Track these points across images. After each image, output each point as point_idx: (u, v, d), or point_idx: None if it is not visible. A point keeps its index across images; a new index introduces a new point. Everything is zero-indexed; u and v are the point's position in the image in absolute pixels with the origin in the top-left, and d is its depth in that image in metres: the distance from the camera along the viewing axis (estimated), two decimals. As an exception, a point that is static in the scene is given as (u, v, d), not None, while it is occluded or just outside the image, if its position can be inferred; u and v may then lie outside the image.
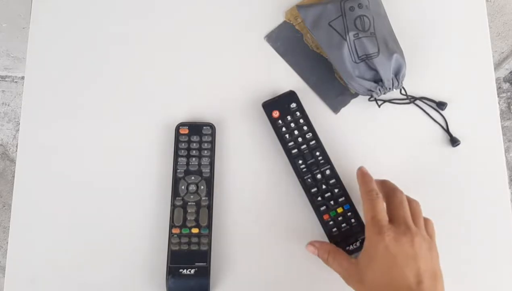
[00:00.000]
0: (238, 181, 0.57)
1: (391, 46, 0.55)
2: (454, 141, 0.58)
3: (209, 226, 0.53)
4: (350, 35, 0.55)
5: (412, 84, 0.59)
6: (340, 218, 0.53)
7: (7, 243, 0.56)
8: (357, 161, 0.57)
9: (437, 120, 0.59)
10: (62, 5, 0.63)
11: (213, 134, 0.57)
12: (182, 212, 0.54)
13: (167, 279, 0.52)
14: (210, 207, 0.54)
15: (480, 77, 0.61)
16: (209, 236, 0.53)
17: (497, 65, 1.31)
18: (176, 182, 0.55)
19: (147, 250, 0.55)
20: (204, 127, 0.57)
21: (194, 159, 0.55)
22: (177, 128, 0.57)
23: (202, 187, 0.54)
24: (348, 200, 0.54)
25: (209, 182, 0.55)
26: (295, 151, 0.55)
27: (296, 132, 0.55)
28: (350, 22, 0.56)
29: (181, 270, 0.52)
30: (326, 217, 0.53)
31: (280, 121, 0.55)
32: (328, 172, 0.54)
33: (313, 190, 0.53)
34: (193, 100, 0.60)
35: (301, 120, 0.55)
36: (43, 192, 0.57)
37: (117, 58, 0.61)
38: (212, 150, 0.56)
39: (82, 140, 0.58)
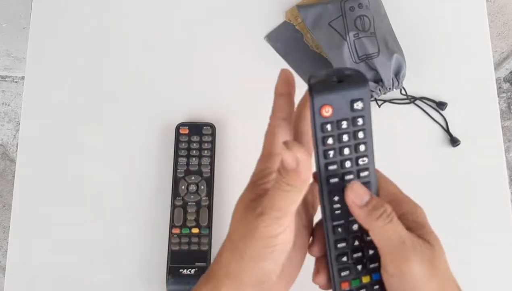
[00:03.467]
0: (238, 181, 0.57)
1: (391, 46, 0.55)
2: (454, 141, 0.58)
3: (209, 226, 0.53)
4: (350, 35, 0.55)
5: (412, 84, 0.59)
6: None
7: (7, 243, 0.56)
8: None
9: (437, 120, 0.59)
10: (62, 5, 0.63)
11: (213, 134, 0.57)
12: (182, 212, 0.54)
13: (167, 279, 0.52)
14: (210, 207, 0.54)
15: (480, 77, 0.61)
16: (209, 236, 0.53)
17: (497, 65, 1.31)
18: (176, 182, 0.55)
19: (147, 250, 0.55)
20: (204, 127, 0.57)
21: (194, 159, 0.55)
22: (177, 128, 0.57)
23: (202, 187, 0.54)
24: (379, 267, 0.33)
25: (209, 182, 0.55)
26: (332, 168, 0.31)
27: (345, 139, 0.30)
28: (350, 22, 0.56)
29: (181, 270, 0.52)
30: (345, 285, 0.34)
31: (329, 124, 0.30)
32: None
33: (339, 246, 0.32)
34: (193, 100, 0.60)
35: (360, 123, 0.30)
36: (43, 192, 0.57)
37: (117, 58, 0.61)
38: (212, 149, 0.56)
39: (82, 140, 0.58)
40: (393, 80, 0.56)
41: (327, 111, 0.30)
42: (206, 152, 0.56)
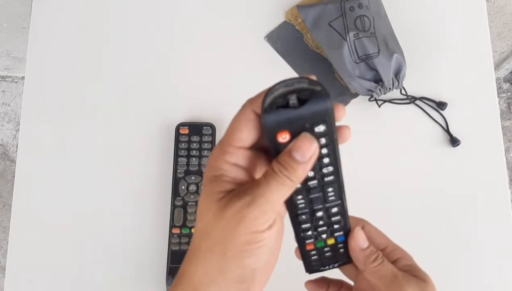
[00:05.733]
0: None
1: (391, 46, 0.55)
2: (454, 142, 0.58)
3: (209, 226, 0.53)
4: (350, 35, 0.55)
5: (412, 84, 0.59)
6: (326, 249, 0.36)
7: (7, 243, 0.56)
8: (357, 161, 0.57)
9: (437, 120, 0.59)
10: (62, 5, 0.63)
11: (213, 134, 0.57)
12: (182, 212, 0.54)
13: (167, 279, 0.52)
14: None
15: (480, 77, 0.61)
16: (209, 236, 0.53)
17: (497, 65, 1.31)
18: (176, 182, 0.55)
19: (147, 250, 0.55)
20: (204, 127, 0.57)
21: (194, 159, 0.55)
22: (177, 129, 0.57)
23: (202, 187, 0.54)
24: (346, 230, 0.35)
25: (209, 182, 0.55)
26: (301, 207, 0.32)
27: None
28: (350, 22, 0.56)
29: (181, 270, 0.52)
30: (309, 246, 0.36)
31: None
32: (335, 209, 0.33)
33: (304, 226, 0.34)
34: (193, 100, 0.60)
35: (324, 151, 0.30)
36: (43, 192, 0.57)
37: (117, 59, 0.61)
38: (212, 150, 0.56)
39: (82, 140, 0.58)
40: (393, 80, 0.56)
41: (284, 138, 0.27)
42: (206, 152, 0.56)
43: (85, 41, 0.62)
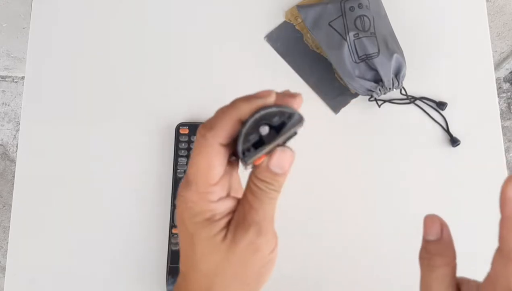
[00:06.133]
0: (238, 181, 0.57)
1: (391, 46, 0.55)
2: (454, 142, 0.58)
3: (209, 226, 0.53)
4: (350, 35, 0.55)
5: (412, 84, 0.59)
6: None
7: (7, 243, 0.56)
8: (357, 161, 0.57)
9: (437, 120, 0.59)
10: (62, 5, 0.63)
11: (213, 134, 0.57)
12: (182, 212, 0.54)
13: (167, 279, 0.52)
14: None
15: (480, 77, 0.61)
16: (209, 236, 0.53)
17: (497, 65, 1.31)
18: (176, 181, 0.55)
19: (147, 250, 0.55)
20: (204, 127, 0.57)
21: (194, 159, 0.55)
22: (177, 128, 0.57)
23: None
24: None
25: (209, 182, 0.55)
26: None
27: None
28: (350, 22, 0.56)
29: (181, 270, 0.52)
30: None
31: None
32: None
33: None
34: (193, 100, 0.60)
35: None
36: (43, 192, 0.57)
37: (117, 58, 0.61)
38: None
39: (82, 140, 0.58)
40: (393, 80, 0.56)
41: (261, 161, 0.28)
42: (206, 152, 0.56)
43: (85, 41, 0.62)
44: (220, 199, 0.28)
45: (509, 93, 1.40)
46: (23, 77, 1.35)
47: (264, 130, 0.26)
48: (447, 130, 0.59)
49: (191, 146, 0.56)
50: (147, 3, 0.63)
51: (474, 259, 0.56)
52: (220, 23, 0.63)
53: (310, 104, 0.59)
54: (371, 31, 0.55)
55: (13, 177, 0.58)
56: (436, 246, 0.27)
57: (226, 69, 0.61)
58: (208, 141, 0.27)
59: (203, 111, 0.59)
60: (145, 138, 0.58)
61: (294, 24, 0.62)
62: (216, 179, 0.28)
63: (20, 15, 1.03)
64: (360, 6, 0.56)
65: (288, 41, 0.62)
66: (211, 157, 0.27)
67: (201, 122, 0.56)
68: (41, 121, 0.59)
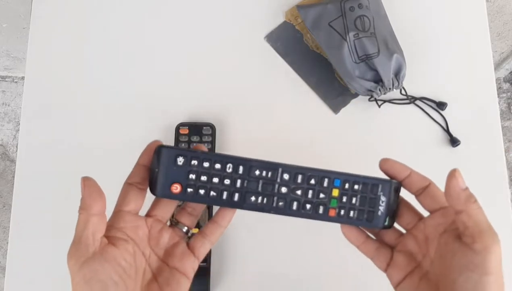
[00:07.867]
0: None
1: (391, 46, 0.55)
2: (454, 142, 0.58)
3: (209, 226, 0.53)
4: (350, 35, 0.55)
5: (412, 84, 0.59)
6: (344, 199, 0.38)
7: (7, 243, 0.56)
8: (357, 161, 0.57)
9: (437, 120, 0.59)
10: (62, 5, 0.63)
11: (213, 135, 0.57)
12: (182, 212, 0.53)
13: (167, 279, 0.52)
14: (210, 207, 0.54)
15: (480, 77, 0.61)
16: (209, 236, 0.53)
17: (497, 65, 1.31)
18: (176, 182, 0.55)
19: (147, 250, 0.55)
20: (204, 127, 0.57)
21: (194, 159, 0.55)
22: (177, 129, 0.57)
23: None
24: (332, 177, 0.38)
25: (209, 182, 0.55)
26: None
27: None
28: (350, 22, 0.56)
29: (181, 270, 0.52)
30: (332, 213, 0.38)
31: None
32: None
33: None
34: (193, 100, 0.60)
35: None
36: (43, 192, 0.57)
37: (117, 59, 0.61)
38: (212, 150, 0.56)
39: (82, 140, 0.58)
40: (393, 80, 0.56)
41: (176, 188, 0.37)
42: (206, 152, 0.56)
43: (85, 41, 0.62)
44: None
45: (509, 93, 1.40)
46: (23, 77, 1.35)
47: None
48: (447, 130, 0.59)
49: (191, 146, 0.56)
50: (147, 3, 0.63)
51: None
52: (220, 23, 0.63)
53: (310, 104, 0.59)
54: (371, 31, 0.55)
55: (13, 177, 0.58)
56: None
57: (226, 69, 0.61)
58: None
59: (203, 111, 0.59)
60: (145, 138, 0.58)
61: (294, 24, 0.62)
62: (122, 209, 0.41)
63: (20, 15, 1.03)
64: (360, 6, 0.56)
65: (288, 41, 0.62)
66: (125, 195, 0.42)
67: (201, 122, 0.56)
68: (41, 121, 0.59)
